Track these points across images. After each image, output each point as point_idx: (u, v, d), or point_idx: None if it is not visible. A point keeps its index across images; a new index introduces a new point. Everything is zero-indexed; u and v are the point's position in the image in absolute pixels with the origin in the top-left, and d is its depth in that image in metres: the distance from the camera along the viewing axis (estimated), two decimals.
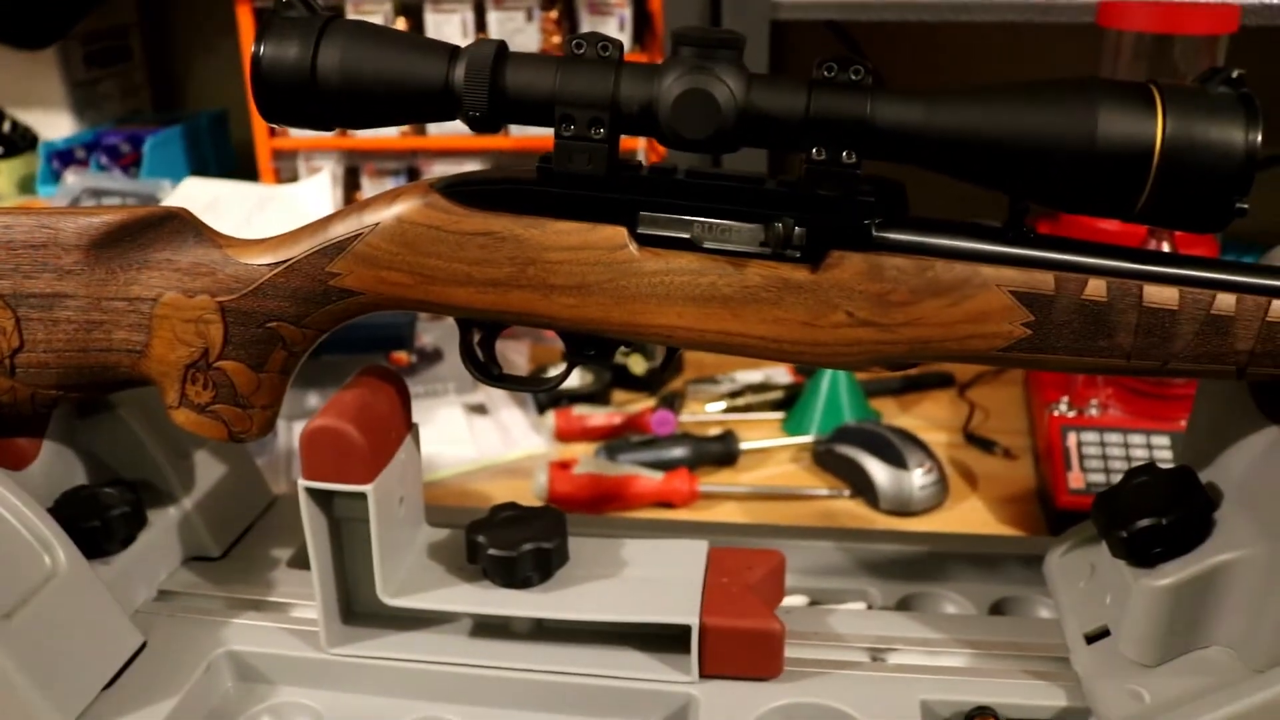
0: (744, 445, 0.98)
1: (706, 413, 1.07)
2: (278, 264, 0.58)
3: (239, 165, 1.62)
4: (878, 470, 0.90)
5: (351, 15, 1.35)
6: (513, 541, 0.62)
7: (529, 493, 0.92)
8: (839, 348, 0.54)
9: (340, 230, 0.57)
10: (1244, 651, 0.55)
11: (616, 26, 1.33)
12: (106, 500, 0.66)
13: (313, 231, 0.58)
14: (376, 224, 0.56)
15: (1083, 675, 0.59)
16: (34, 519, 0.59)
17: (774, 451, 0.99)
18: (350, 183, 1.44)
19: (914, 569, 0.75)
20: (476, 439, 1.01)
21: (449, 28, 1.36)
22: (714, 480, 0.95)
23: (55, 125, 1.60)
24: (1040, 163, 0.50)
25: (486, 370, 0.61)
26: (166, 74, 1.79)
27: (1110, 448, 0.89)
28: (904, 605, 0.74)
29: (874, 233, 0.53)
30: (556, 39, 1.35)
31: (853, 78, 0.51)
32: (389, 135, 1.38)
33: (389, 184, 1.43)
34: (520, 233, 0.55)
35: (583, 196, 0.54)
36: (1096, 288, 0.52)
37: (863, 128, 0.51)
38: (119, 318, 0.60)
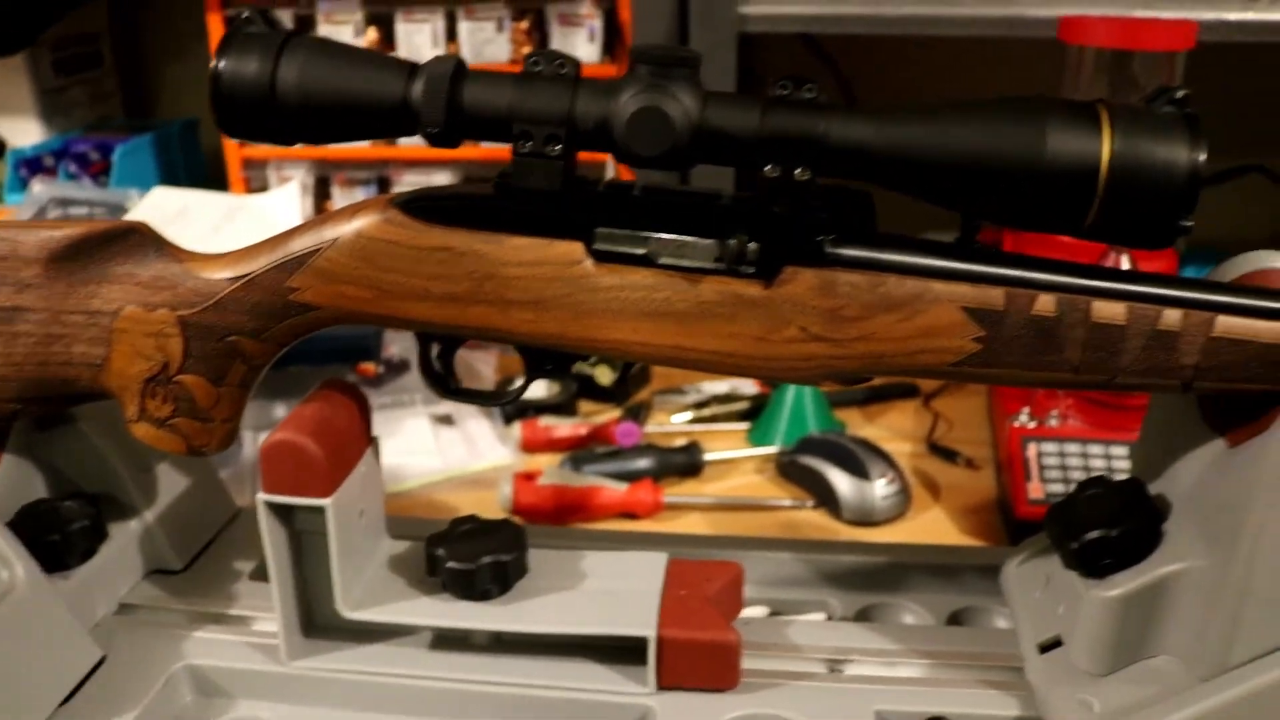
0: (709, 456, 0.98)
1: (673, 424, 1.07)
2: (237, 278, 0.58)
3: (210, 174, 1.62)
4: (840, 481, 0.91)
5: (323, 25, 1.37)
6: (471, 554, 0.62)
7: (495, 504, 0.92)
8: (792, 362, 0.55)
9: (300, 245, 0.57)
10: (1190, 660, 0.56)
11: (586, 37, 1.34)
12: (66, 514, 0.65)
13: (272, 246, 0.58)
14: (336, 239, 0.57)
15: (1035, 685, 0.60)
16: None
17: (739, 462, 1.00)
18: (321, 193, 1.44)
19: (873, 579, 0.76)
20: (443, 450, 1.02)
21: (420, 38, 1.36)
22: (679, 491, 0.95)
23: (23, 132, 1.59)
24: (990, 181, 0.51)
25: (444, 383, 0.61)
26: (138, 81, 1.78)
27: (1069, 458, 0.90)
28: (863, 616, 0.74)
29: (827, 249, 0.54)
30: (527, 49, 1.35)
31: (806, 96, 0.52)
32: (360, 146, 1.38)
33: (359, 194, 1.43)
34: (478, 248, 0.55)
35: (540, 212, 0.55)
36: (1046, 303, 0.53)
37: (816, 145, 0.51)
38: (79, 331, 0.60)
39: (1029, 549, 0.68)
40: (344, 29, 1.36)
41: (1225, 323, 0.53)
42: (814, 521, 0.92)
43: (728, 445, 1.02)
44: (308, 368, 1.08)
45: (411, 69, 0.54)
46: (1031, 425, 0.93)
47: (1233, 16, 1.09)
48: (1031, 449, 0.91)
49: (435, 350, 0.61)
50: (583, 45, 1.33)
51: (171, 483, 0.73)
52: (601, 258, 0.55)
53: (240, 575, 0.72)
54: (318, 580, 0.63)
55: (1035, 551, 0.67)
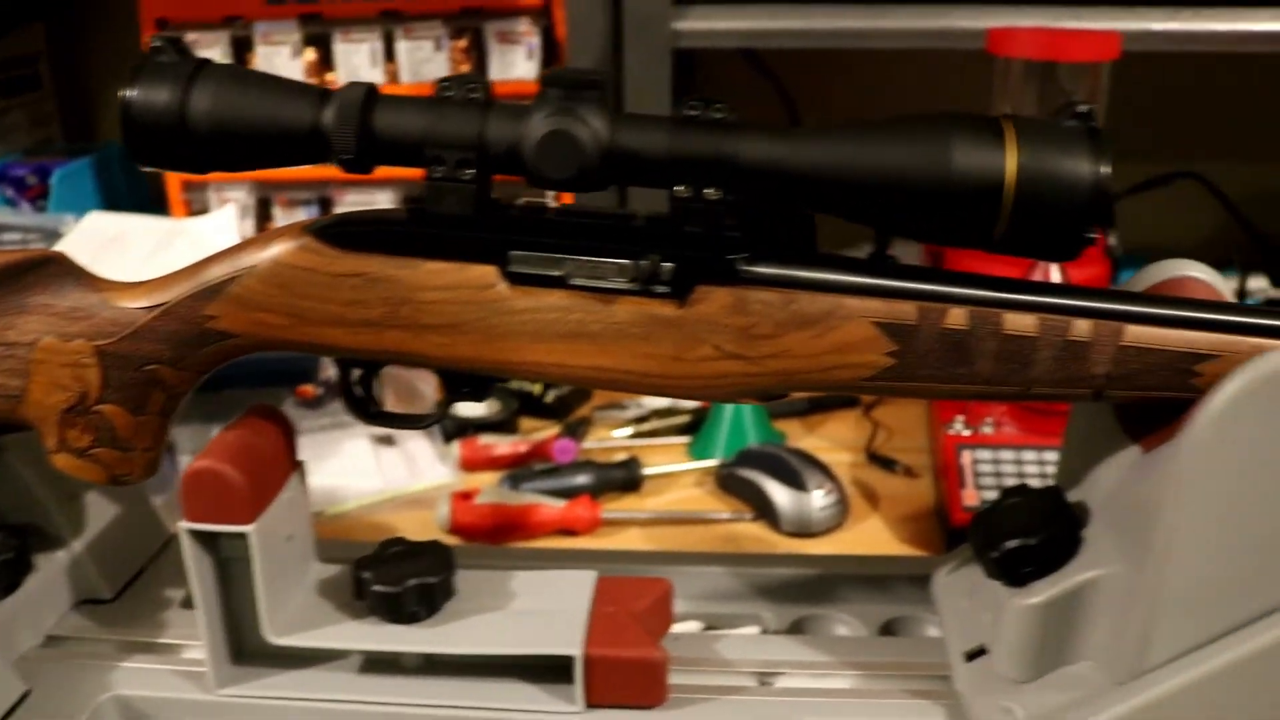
0: (648, 471, 0.99)
1: (614, 438, 1.07)
2: (154, 307, 0.58)
3: (152, 197, 1.60)
4: (778, 493, 0.92)
5: (261, 46, 1.36)
6: (398, 577, 0.62)
7: (434, 524, 0.92)
8: (707, 380, 0.55)
9: (216, 273, 0.57)
10: (1109, 665, 0.56)
11: (525, 55, 1.34)
12: None
13: (189, 275, 0.58)
14: (252, 267, 0.57)
15: (962, 693, 0.60)
16: None
17: (678, 476, 1.01)
18: (263, 214, 1.44)
19: (807, 591, 0.76)
20: (383, 470, 1.02)
21: (357, 58, 1.36)
22: (618, 506, 0.96)
23: None
24: (899, 197, 0.51)
25: (365, 408, 0.61)
26: (77, 104, 1.77)
27: (1004, 465, 0.91)
28: (796, 628, 0.75)
29: (740, 267, 0.54)
30: (465, 68, 1.36)
31: (716, 116, 0.52)
32: (301, 167, 1.37)
33: (301, 215, 1.43)
34: (392, 273, 0.56)
35: (454, 236, 0.55)
36: (957, 317, 0.53)
37: (725, 165, 0.52)
38: None
39: (958, 558, 0.69)
40: (282, 50, 1.36)
41: (1135, 332, 0.53)
42: (753, 534, 0.92)
43: (668, 459, 1.03)
44: (246, 391, 1.07)
45: (323, 95, 0.54)
46: (966, 433, 0.94)
47: (1158, 26, 1.11)
48: (966, 456, 0.92)
49: (355, 375, 0.61)
50: (521, 63, 1.33)
51: (101, 511, 0.72)
52: (516, 280, 0.55)
53: (172, 603, 0.72)
54: (245, 606, 0.63)
55: (964, 560, 0.68)
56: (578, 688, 0.61)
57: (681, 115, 0.53)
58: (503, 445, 1.02)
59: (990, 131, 0.51)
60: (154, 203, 1.54)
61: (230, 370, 0.91)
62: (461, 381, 0.59)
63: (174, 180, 1.40)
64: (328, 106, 0.54)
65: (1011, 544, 0.58)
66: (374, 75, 1.35)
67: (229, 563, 0.62)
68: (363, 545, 0.67)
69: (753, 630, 0.74)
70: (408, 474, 1.01)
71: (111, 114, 1.76)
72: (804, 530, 0.91)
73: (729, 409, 1.03)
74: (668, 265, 0.54)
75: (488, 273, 0.55)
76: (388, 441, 1.06)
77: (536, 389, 1.09)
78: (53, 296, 0.59)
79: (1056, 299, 0.54)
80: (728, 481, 0.97)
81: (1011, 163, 0.50)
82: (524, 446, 1.02)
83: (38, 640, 0.67)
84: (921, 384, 0.55)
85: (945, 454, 0.92)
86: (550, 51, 1.34)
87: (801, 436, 1.09)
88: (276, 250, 0.57)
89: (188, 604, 0.71)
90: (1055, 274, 0.95)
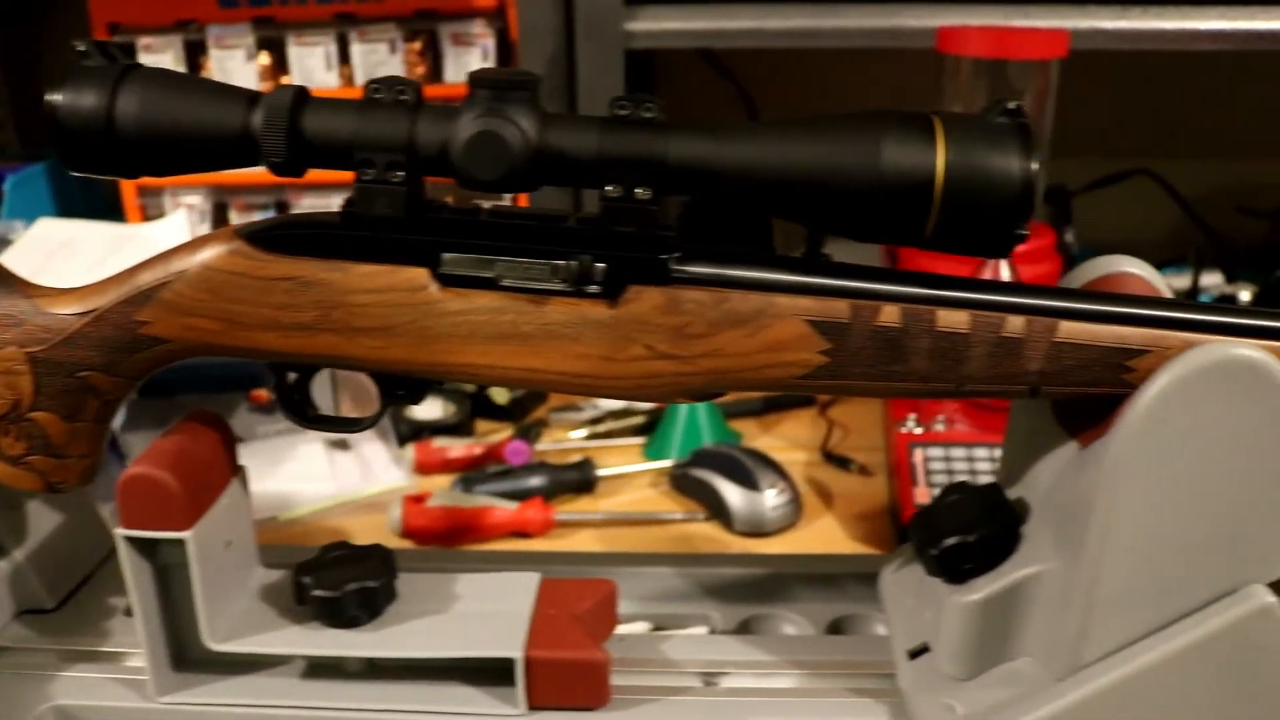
0: (603, 472, 0.98)
1: (569, 440, 1.07)
2: (86, 313, 0.58)
3: (108, 203, 1.59)
4: (731, 492, 0.92)
5: (214, 50, 1.35)
6: (338, 581, 0.62)
7: (386, 528, 0.92)
8: (640, 380, 0.55)
9: (148, 279, 0.57)
10: (1048, 662, 0.56)
11: (480, 57, 1.34)
12: None
13: (121, 281, 0.58)
14: (183, 272, 0.56)
15: (905, 691, 0.60)
16: None
17: (633, 477, 1.00)
18: (219, 218, 1.43)
19: (756, 591, 0.77)
20: (337, 475, 1.01)
21: (312, 61, 1.36)
22: (572, 508, 0.95)
23: None
24: (829, 195, 0.51)
25: (301, 412, 0.61)
26: (31, 109, 1.75)
27: (955, 462, 0.91)
28: (745, 628, 0.75)
29: (672, 267, 0.54)
30: (421, 70, 1.35)
31: (646, 115, 0.52)
32: (257, 169, 1.37)
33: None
34: (324, 277, 0.55)
35: (385, 239, 0.55)
36: (890, 314, 0.53)
37: (655, 165, 0.52)
38: None
39: (904, 555, 0.69)
40: (235, 54, 1.35)
41: (1068, 328, 0.54)
42: (706, 534, 0.92)
43: (624, 460, 1.03)
44: (199, 396, 1.07)
45: (252, 98, 0.54)
46: (919, 431, 0.94)
47: (1108, 25, 1.12)
48: (918, 454, 0.92)
49: (291, 379, 0.60)
50: (476, 65, 1.33)
51: (43, 520, 0.71)
52: (447, 282, 0.55)
53: (115, 611, 0.71)
54: (185, 613, 0.63)
55: (910, 558, 0.68)
56: (519, 690, 0.60)
57: (612, 115, 0.52)
58: (457, 448, 1.02)
59: (920, 129, 0.51)
60: (110, 208, 1.53)
61: (183, 376, 0.90)
62: (397, 384, 0.58)
63: (128, 185, 1.39)
64: (256, 110, 0.53)
65: (950, 541, 0.58)
66: (329, 79, 1.35)
67: (168, 569, 0.62)
68: (306, 550, 0.67)
69: (701, 630, 0.74)
70: (361, 478, 1.01)
71: None
72: (757, 530, 0.91)
73: (683, 410, 1.03)
74: (600, 266, 0.54)
75: (419, 275, 0.55)
76: (342, 446, 1.05)
77: (494, 392, 1.08)
78: None
79: (990, 296, 0.54)
80: (681, 482, 0.97)
81: (940, 160, 0.50)
82: (478, 449, 1.02)
83: None
84: (856, 382, 0.55)
85: (897, 452, 0.93)
86: (505, 53, 1.34)
87: (757, 436, 1.09)
88: (207, 255, 0.56)
89: (131, 612, 0.70)
90: (1005, 271, 0.95)
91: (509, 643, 0.61)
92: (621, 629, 0.73)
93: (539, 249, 0.54)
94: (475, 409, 1.10)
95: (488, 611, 0.64)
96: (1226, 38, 1.13)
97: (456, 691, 0.63)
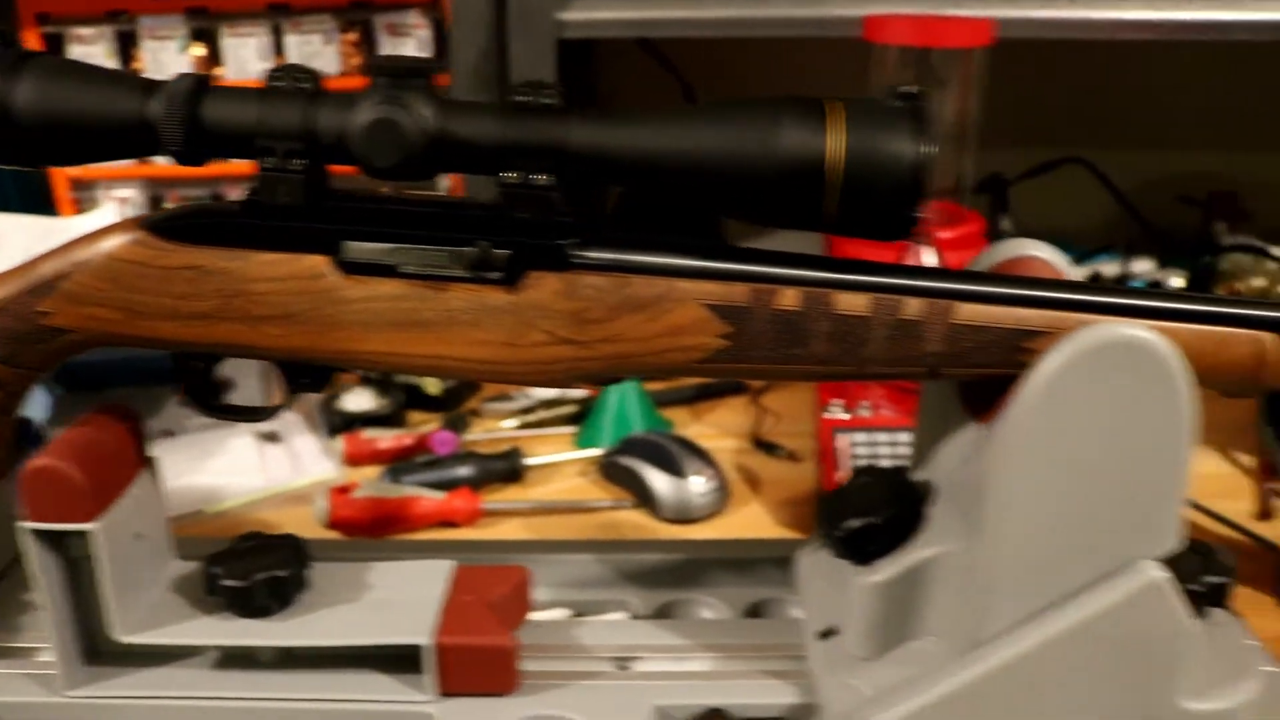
0: (532, 461, 0.99)
1: (502, 429, 1.07)
2: None
3: (44, 195, 1.58)
4: (657, 480, 0.92)
5: (146, 41, 1.34)
6: (247, 571, 0.62)
7: (313, 519, 0.91)
8: (541, 366, 0.55)
9: (49, 269, 0.57)
10: (950, 640, 0.57)
11: (416, 48, 1.34)
12: None
13: (22, 272, 0.57)
14: (84, 262, 0.56)
15: (814, 672, 0.61)
16: None
17: (562, 466, 1.01)
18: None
19: (675, 576, 0.77)
20: (266, 467, 1.01)
21: (246, 52, 1.35)
22: (500, 497, 0.96)
23: None
24: (728, 180, 0.52)
25: (205, 401, 0.61)
26: None
27: (879, 447, 0.92)
28: (663, 612, 0.75)
29: (571, 253, 0.54)
30: (356, 61, 1.35)
31: (546, 102, 0.53)
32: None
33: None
34: (225, 265, 0.55)
35: (285, 227, 0.55)
36: (789, 298, 0.54)
37: (555, 151, 0.52)
38: None
39: (820, 539, 0.69)
40: (169, 45, 1.34)
41: (966, 310, 0.54)
42: (633, 521, 0.93)
43: (554, 449, 1.03)
44: (132, 389, 1.06)
45: (150, 87, 0.54)
46: (844, 416, 0.94)
47: (1036, 13, 1.13)
48: (842, 440, 0.93)
49: (199, 367, 0.60)
50: (411, 54, 1.32)
51: None
52: (348, 270, 0.55)
53: (30, 606, 0.70)
54: (96, 606, 0.62)
55: (824, 542, 0.69)
56: (428, 676, 0.61)
57: (511, 102, 0.53)
58: (386, 439, 1.01)
59: (815, 113, 0.51)
60: (44, 201, 1.51)
61: (112, 369, 0.89)
62: (301, 372, 0.58)
63: (60, 178, 1.38)
64: (154, 98, 0.53)
65: (854, 523, 0.59)
66: (263, 70, 1.33)
67: (78, 562, 0.61)
68: (222, 542, 0.67)
69: (620, 616, 0.75)
70: (291, 470, 1.00)
71: None
72: (683, 516, 0.91)
73: (614, 398, 1.03)
74: (500, 252, 0.54)
75: (319, 263, 0.55)
76: (272, 439, 1.05)
77: (425, 382, 1.08)
78: None
79: (889, 279, 0.55)
80: (609, 470, 0.97)
81: (835, 143, 0.51)
82: (408, 440, 1.02)
83: None
84: (757, 365, 0.55)
85: (822, 437, 0.93)
86: (441, 44, 1.34)
87: (689, 423, 1.10)
88: (108, 245, 0.56)
89: None
90: (931, 257, 0.96)
91: (418, 629, 0.61)
92: (541, 615, 0.74)
93: (440, 236, 0.54)
94: (408, 400, 1.10)
95: (400, 599, 0.64)
96: (1152, 27, 1.14)
97: (369, 679, 0.63)
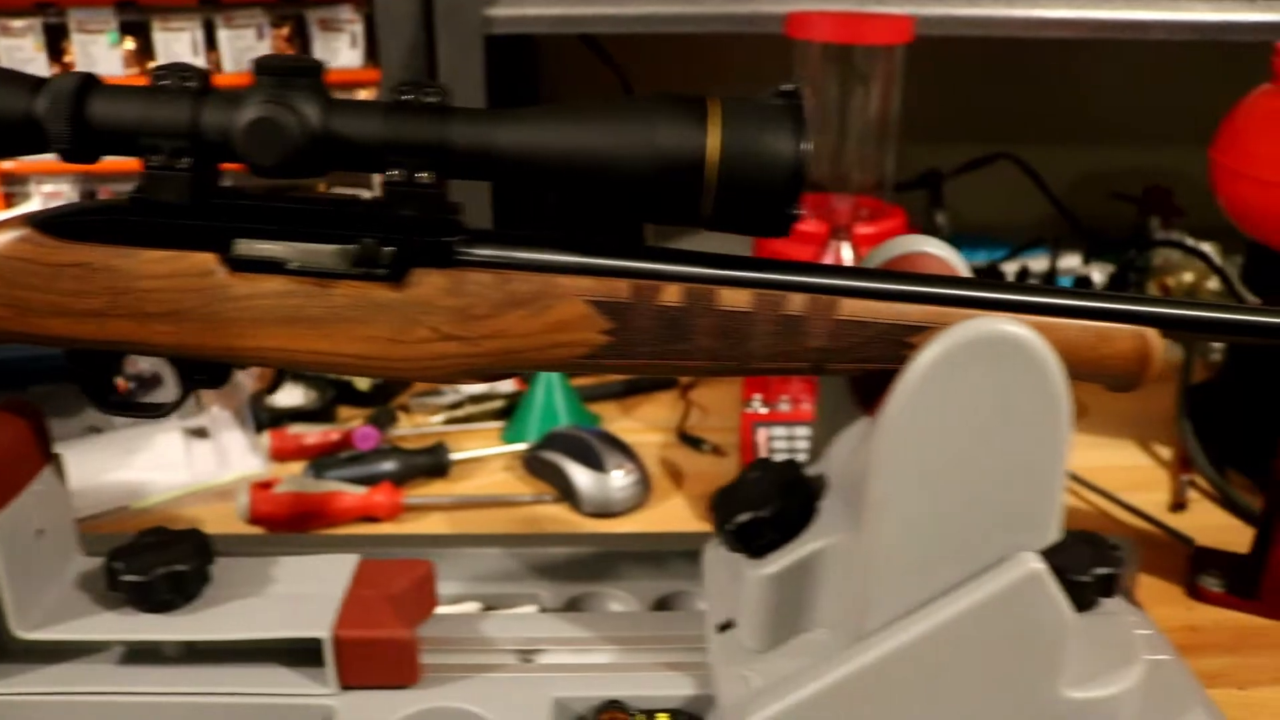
0: (457, 456, 0.99)
1: (430, 424, 1.08)
2: None
3: None
4: (578, 474, 0.93)
5: (77, 35, 1.33)
6: (148, 566, 0.62)
7: (236, 515, 0.92)
8: (426, 362, 0.56)
9: None
10: (838, 632, 0.58)
11: (349, 43, 1.33)
12: None
13: None
14: None
15: (711, 664, 0.62)
16: None
17: (487, 460, 1.01)
18: None
19: (585, 569, 0.78)
20: (193, 463, 1.01)
21: (179, 46, 1.34)
22: (424, 492, 0.96)
23: None
24: (608, 177, 0.52)
25: (101, 398, 0.61)
26: None
27: (798, 441, 0.93)
28: (572, 605, 0.76)
29: (456, 250, 0.55)
30: None
31: (429, 100, 0.53)
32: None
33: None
34: (113, 263, 0.55)
35: (172, 225, 0.55)
36: (672, 293, 0.55)
37: (437, 149, 0.53)
38: None
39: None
40: (99, 39, 1.33)
41: (850, 306, 0.55)
42: (555, 515, 0.93)
43: (481, 444, 1.04)
44: (52, 387, 1.05)
45: (37, 84, 0.54)
46: (764, 411, 0.95)
47: (956, 11, 1.14)
48: (761, 434, 0.94)
49: (95, 364, 0.60)
50: (345, 51, 1.32)
51: None
52: (235, 266, 0.55)
53: None
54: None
55: None
56: (329, 669, 0.61)
57: (395, 100, 0.53)
58: (313, 435, 1.02)
59: (694, 111, 0.52)
60: None
61: (35, 366, 0.89)
62: (195, 369, 0.59)
63: None
64: (40, 96, 0.53)
65: (744, 517, 0.60)
66: (196, 64, 1.33)
67: None
68: (129, 538, 0.67)
69: (530, 609, 0.75)
70: (217, 466, 1.00)
71: None
72: (604, 510, 0.92)
73: (540, 393, 1.04)
74: (385, 249, 0.54)
75: (207, 260, 0.55)
76: (201, 434, 1.05)
77: (356, 379, 1.08)
78: None
79: (773, 275, 0.55)
80: (533, 464, 0.98)
81: (714, 141, 0.51)
82: (334, 435, 1.02)
83: None
84: (641, 361, 0.56)
85: (743, 432, 0.94)
86: (374, 39, 1.34)
87: (617, 418, 1.10)
88: None
89: None
90: (848, 255, 0.97)
91: (318, 623, 0.61)
92: (450, 609, 0.74)
93: (327, 233, 0.55)
94: (338, 396, 1.10)
95: (302, 593, 0.64)
96: (1074, 25, 1.16)
97: (273, 674, 0.63)
